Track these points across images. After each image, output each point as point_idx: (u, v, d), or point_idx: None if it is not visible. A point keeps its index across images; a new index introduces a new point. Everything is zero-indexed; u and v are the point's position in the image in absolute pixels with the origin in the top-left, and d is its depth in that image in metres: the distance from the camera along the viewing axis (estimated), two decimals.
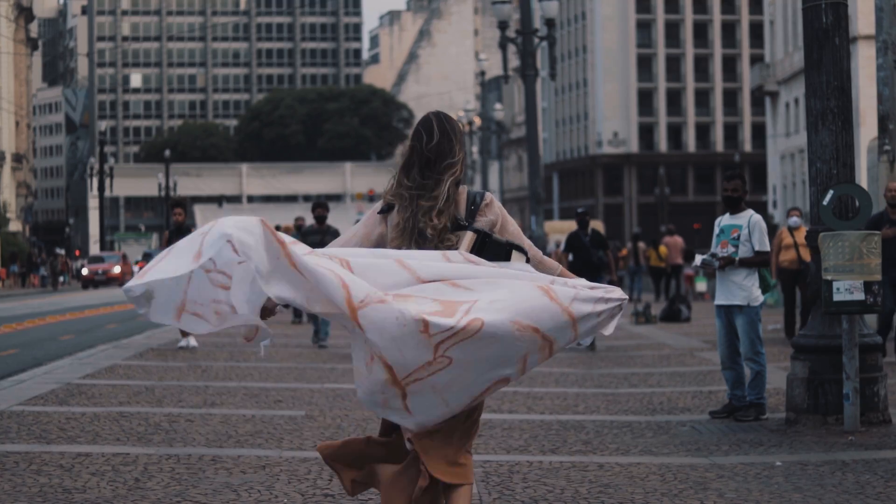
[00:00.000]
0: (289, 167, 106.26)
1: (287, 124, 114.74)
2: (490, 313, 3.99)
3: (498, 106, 53.48)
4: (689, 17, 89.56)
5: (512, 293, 4.07)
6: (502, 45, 30.02)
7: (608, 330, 4.27)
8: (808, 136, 8.41)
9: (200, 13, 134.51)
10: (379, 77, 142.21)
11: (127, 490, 5.99)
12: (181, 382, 10.74)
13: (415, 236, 4.33)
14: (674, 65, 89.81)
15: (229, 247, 3.94)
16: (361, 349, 4.05)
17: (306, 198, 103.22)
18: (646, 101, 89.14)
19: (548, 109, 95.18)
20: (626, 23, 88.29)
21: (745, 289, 8.49)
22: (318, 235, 14.00)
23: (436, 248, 4.29)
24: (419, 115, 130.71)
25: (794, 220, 15.10)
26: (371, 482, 4.34)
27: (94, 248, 78.07)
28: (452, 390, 4.04)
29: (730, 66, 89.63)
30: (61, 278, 58.04)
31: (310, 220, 16.23)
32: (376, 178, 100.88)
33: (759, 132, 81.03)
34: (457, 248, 4.28)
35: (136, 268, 58.20)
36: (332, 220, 20.37)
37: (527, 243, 4.40)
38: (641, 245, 29.66)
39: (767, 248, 8.59)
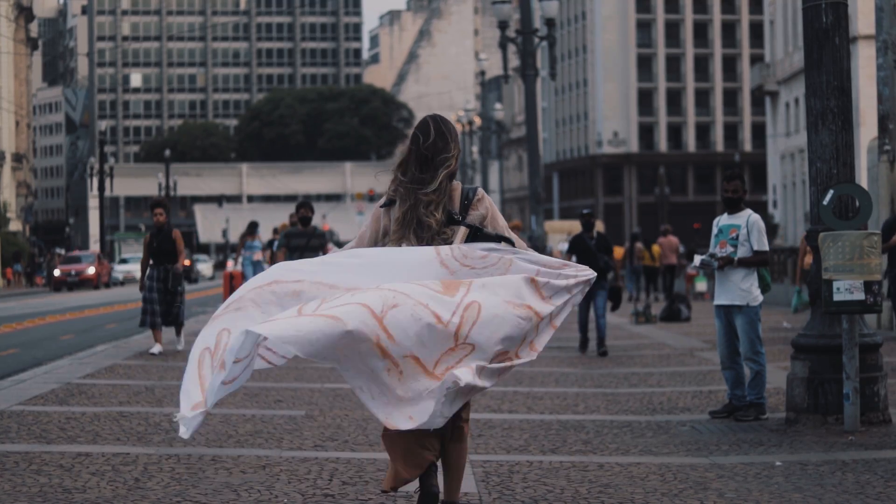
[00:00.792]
0: (289, 167, 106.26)
1: (287, 124, 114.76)
2: (483, 295, 4.54)
3: (498, 106, 53.48)
4: (689, 16, 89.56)
5: (500, 280, 4.63)
6: (502, 45, 30.03)
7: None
8: (808, 135, 8.41)
9: (200, 13, 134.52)
10: (379, 77, 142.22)
11: (127, 490, 5.99)
12: (181, 382, 10.73)
13: (413, 226, 4.77)
14: (674, 65, 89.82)
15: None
16: (385, 396, 4.51)
17: (306, 198, 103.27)
18: (646, 100, 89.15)
19: (548, 109, 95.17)
20: (626, 23, 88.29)
21: (744, 289, 8.50)
22: (303, 238, 13.40)
23: (433, 238, 4.75)
24: (419, 114, 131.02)
25: None
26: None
27: (95, 248, 78.05)
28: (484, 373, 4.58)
29: (730, 65, 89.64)
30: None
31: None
32: (376, 177, 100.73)
33: (759, 132, 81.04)
34: (451, 242, 4.75)
35: (115, 266, 55.72)
36: (333, 219, 20.52)
37: (514, 237, 4.86)
38: (638, 245, 29.79)
39: (766, 247, 8.59)
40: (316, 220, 20.88)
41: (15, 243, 62.80)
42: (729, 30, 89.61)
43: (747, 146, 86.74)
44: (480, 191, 4.91)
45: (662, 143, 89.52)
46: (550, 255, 26.30)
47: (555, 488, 6.07)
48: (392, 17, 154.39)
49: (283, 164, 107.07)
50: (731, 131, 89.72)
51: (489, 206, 4.84)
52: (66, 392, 9.98)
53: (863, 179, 18.64)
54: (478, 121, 59.08)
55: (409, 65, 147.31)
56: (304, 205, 13.79)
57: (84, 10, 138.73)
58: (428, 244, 4.78)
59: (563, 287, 4.77)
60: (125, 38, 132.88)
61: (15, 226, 75.41)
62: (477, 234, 4.80)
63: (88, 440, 7.48)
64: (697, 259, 8.82)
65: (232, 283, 21.68)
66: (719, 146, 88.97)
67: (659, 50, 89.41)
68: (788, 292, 21.65)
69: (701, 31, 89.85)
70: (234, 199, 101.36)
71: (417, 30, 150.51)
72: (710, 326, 17.50)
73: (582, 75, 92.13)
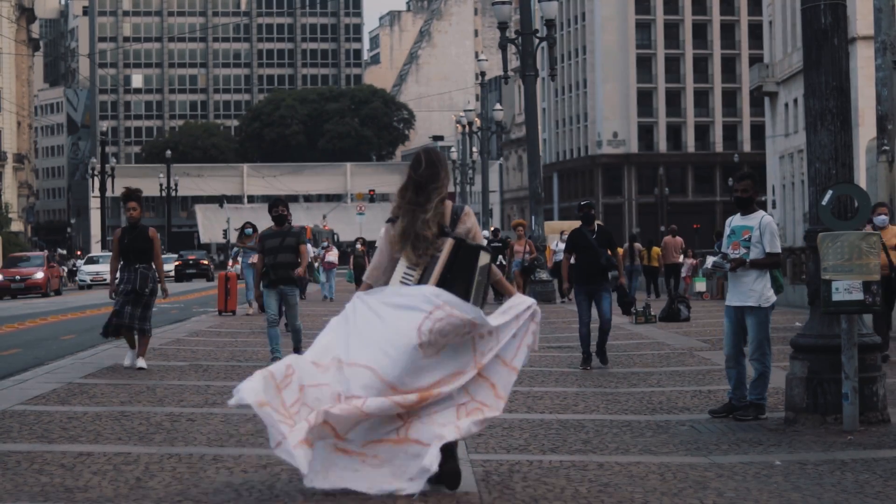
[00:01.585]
0: (289, 167, 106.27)
1: (288, 125, 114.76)
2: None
3: (498, 106, 53.48)
4: (688, 17, 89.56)
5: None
6: (502, 46, 30.05)
7: (530, 341, 5.86)
8: (807, 136, 8.44)
9: (201, 14, 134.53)
10: (379, 77, 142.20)
11: (128, 489, 6.01)
12: (182, 382, 10.77)
13: (412, 238, 5.88)
14: (673, 65, 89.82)
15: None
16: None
17: (307, 198, 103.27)
18: (645, 101, 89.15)
19: (548, 110, 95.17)
20: (625, 23, 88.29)
21: (756, 290, 8.46)
22: (277, 238, 12.33)
23: (427, 249, 5.84)
24: (420, 115, 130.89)
25: (882, 218, 11.84)
26: None
27: (96, 248, 78.05)
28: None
29: (729, 66, 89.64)
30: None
31: (306, 222, 15.78)
32: (376, 178, 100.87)
33: (758, 132, 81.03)
34: (440, 253, 5.78)
35: (82, 266, 50.62)
36: (333, 220, 20.47)
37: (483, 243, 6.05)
38: (637, 245, 29.85)
39: (778, 249, 8.55)
40: (316, 220, 20.92)
41: (17, 243, 62.78)
42: (728, 30, 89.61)
43: (746, 146, 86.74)
44: (467, 208, 6.03)
45: (662, 144, 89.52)
46: (544, 254, 26.15)
47: (555, 487, 6.09)
48: (392, 17, 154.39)
49: (284, 165, 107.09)
50: (731, 132, 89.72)
51: (473, 222, 5.99)
52: (67, 392, 10.01)
53: (861, 180, 18.67)
54: (478, 121, 59.09)
55: (410, 65, 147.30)
56: (277, 203, 12.65)
57: (85, 11, 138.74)
58: (423, 253, 5.85)
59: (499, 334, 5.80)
60: (126, 39, 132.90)
61: (17, 226, 75.43)
62: (461, 245, 5.85)
63: (90, 440, 7.50)
64: (710, 261, 8.81)
65: (227, 284, 21.55)
66: (718, 146, 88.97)
67: (658, 51, 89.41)
68: (797, 292, 21.66)
69: (700, 32, 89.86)
70: (235, 199, 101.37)
71: (418, 30, 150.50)
72: (710, 326, 17.52)
73: (581, 76, 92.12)
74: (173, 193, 74.55)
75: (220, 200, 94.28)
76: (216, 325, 18.98)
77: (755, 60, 70.73)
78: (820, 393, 8.01)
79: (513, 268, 23.47)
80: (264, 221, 15.44)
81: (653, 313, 18.79)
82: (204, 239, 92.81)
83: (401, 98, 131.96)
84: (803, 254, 22.23)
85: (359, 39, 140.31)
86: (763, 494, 5.94)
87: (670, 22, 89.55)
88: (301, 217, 79.11)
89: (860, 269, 7.74)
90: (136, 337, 11.95)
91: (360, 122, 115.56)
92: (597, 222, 12.64)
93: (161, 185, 75.70)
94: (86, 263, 52.70)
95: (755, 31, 79.98)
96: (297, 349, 12.48)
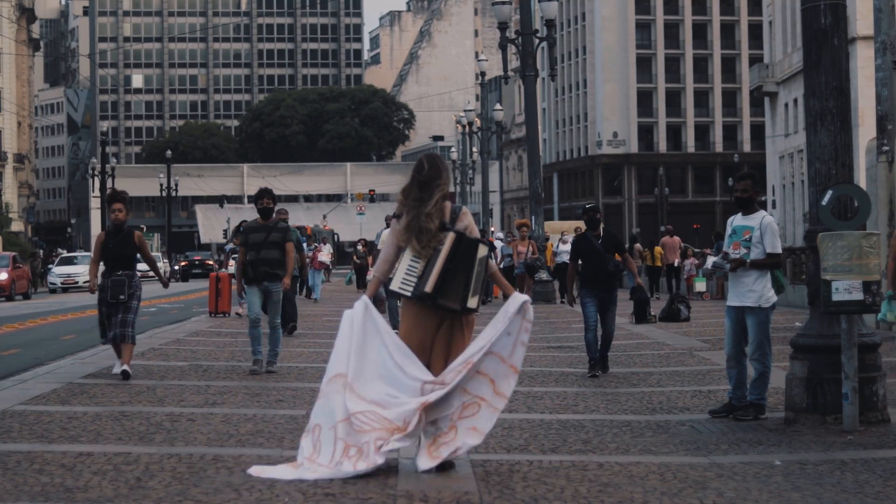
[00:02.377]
0: (290, 167, 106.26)
1: (288, 125, 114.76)
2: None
3: (498, 106, 53.48)
4: (688, 17, 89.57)
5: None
6: (502, 46, 30.06)
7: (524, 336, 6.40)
8: (807, 136, 8.44)
9: (201, 14, 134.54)
10: (379, 77, 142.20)
11: (128, 489, 6.02)
12: (182, 382, 10.77)
13: (415, 231, 6.48)
14: (673, 65, 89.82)
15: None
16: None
17: (307, 198, 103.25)
18: (645, 101, 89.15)
19: (548, 110, 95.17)
20: (625, 23, 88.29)
21: (756, 290, 8.46)
22: (262, 232, 11.50)
23: (429, 241, 6.45)
24: (420, 115, 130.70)
25: None
26: None
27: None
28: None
29: (729, 66, 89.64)
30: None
31: (306, 222, 15.53)
32: (377, 178, 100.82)
33: (758, 132, 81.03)
34: (442, 246, 6.41)
35: (53, 269, 44.77)
36: (333, 220, 20.41)
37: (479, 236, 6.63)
38: (638, 246, 29.95)
39: (779, 250, 8.54)
40: (317, 220, 20.85)
41: (17, 243, 62.78)
42: (728, 30, 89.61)
43: (746, 147, 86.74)
44: (464, 208, 6.66)
45: (662, 144, 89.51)
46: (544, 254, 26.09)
47: (555, 487, 6.09)
48: (392, 17, 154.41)
49: (284, 165, 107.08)
50: (731, 132, 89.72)
51: (470, 220, 6.60)
52: (67, 392, 10.01)
53: (861, 180, 18.67)
54: (478, 121, 59.09)
55: (410, 65, 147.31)
56: (263, 194, 11.68)
57: (85, 11, 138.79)
58: (427, 245, 6.46)
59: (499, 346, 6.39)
60: (126, 39, 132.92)
61: (17, 226, 75.45)
62: (461, 238, 6.46)
63: (90, 440, 7.50)
64: (710, 261, 8.80)
65: (218, 285, 21.42)
66: (718, 147, 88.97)
67: (658, 51, 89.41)
68: (796, 292, 21.65)
69: (700, 32, 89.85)
70: (236, 199, 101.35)
71: (418, 31, 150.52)
72: (710, 326, 17.52)
73: (581, 76, 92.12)
74: (173, 193, 74.52)
75: (220, 200, 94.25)
76: (216, 325, 18.98)
77: (755, 60, 70.76)
78: (820, 393, 8.01)
79: (516, 269, 23.19)
80: None
81: (653, 313, 18.80)
82: (204, 239, 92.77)
83: (401, 98, 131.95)
84: (803, 254, 22.24)
85: (359, 39, 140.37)
86: (763, 494, 5.94)
87: (670, 22, 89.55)
88: (301, 217, 79.09)
89: (860, 269, 7.74)
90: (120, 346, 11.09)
91: (360, 123, 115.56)
92: (602, 226, 12.00)
93: (161, 185, 75.69)
94: (59, 264, 46.32)
95: (755, 32, 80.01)
96: (273, 358, 11.66)
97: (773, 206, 55.74)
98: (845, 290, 7.73)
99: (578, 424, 8.25)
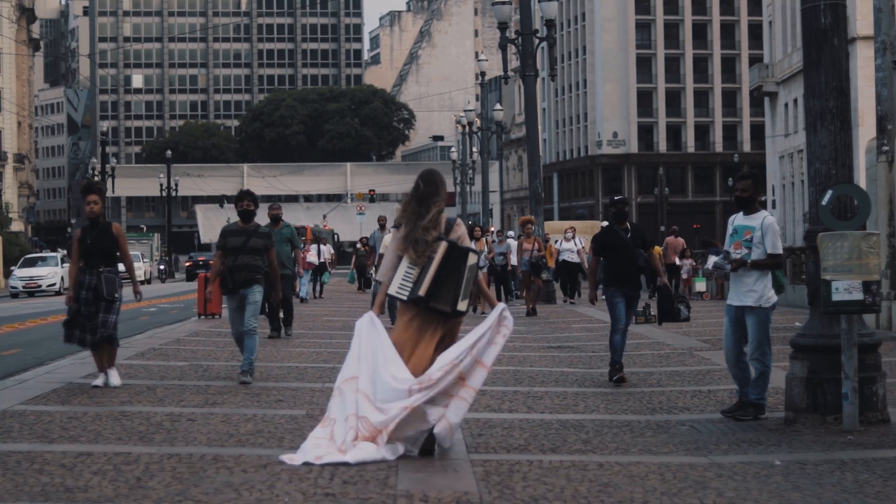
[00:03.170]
0: (290, 167, 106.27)
1: (288, 125, 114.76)
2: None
3: (498, 106, 53.49)
4: (688, 17, 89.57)
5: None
6: (502, 46, 30.06)
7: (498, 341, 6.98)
8: (806, 136, 8.43)
9: (202, 14, 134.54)
10: (379, 78, 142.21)
11: (129, 489, 6.02)
12: (182, 382, 10.77)
13: (412, 242, 7.11)
14: (673, 65, 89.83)
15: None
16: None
17: (307, 198, 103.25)
18: (645, 101, 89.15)
19: (548, 110, 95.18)
20: (625, 23, 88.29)
21: (756, 290, 8.45)
22: (241, 237, 10.63)
23: (425, 250, 7.07)
24: (420, 115, 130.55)
25: None
26: None
27: None
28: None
29: (729, 66, 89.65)
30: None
31: (307, 222, 15.57)
32: (377, 178, 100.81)
33: (758, 132, 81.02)
34: (436, 254, 7.03)
35: (15, 271, 40.79)
36: (333, 220, 20.41)
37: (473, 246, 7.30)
38: None
39: (780, 250, 8.53)
40: (317, 220, 20.83)
41: (17, 243, 62.78)
42: (728, 30, 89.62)
43: (746, 146, 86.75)
44: (458, 220, 7.35)
45: (662, 144, 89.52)
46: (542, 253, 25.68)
47: (555, 487, 6.10)
48: (392, 18, 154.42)
49: (284, 165, 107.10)
50: (731, 132, 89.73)
51: (463, 230, 7.30)
52: (67, 391, 10.01)
53: (861, 180, 18.67)
54: (478, 121, 59.10)
55: (410, 65, 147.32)
56: (244, 196, 10.78)
57: (85, 11, 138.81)
58: (421, 254, 7.07)
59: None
60: (126, 39, 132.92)
61: (17, 226, 75.46)
62: (453, 247, 7.10)
63: (90, 440, 7.51)
64: (711, 261, 8.80)
65: (207, 286, 21.20)
66: (718, 146, 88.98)
67: (658, 51, 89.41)
68: (796, 292, 21.65)
69: (700, 32, 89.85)
70: None
71: (418, 31, 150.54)
72: (710, 326, 17.53)
73: (581, 76, 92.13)
74: (173, 194, 74.53)
75: (220, 200, 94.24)
76: (216, 325, 18.98)
77: (755, 60, 70.75)
78: (820, 393, 8.02)
79: (521, 266, 22.17)
80: (266, 223, 15.24)
81: (653, 313, 18.80)
82: (204, 239, 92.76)
83: (401, 98, 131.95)
84: (803, 254, 22.24)
85: (359, 39, 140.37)
86: (763, 494, 5.95)
87: (670, 22, 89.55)
88: (301, 217, 79.10)
89: (860, 269, 7.74)
90: (101, 349, 10.32)
91: (360, 123, 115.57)
92: (629, 221, 11.24)
93: (161, 185, 75.69)
94: (21, 266, 41.25)
95: (755, 32, 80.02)
96: (248, 368, 10.52)
97: (773, 206, 55.74)
98: (845, 290, 7.73)
99: (578, 424, 8.25)
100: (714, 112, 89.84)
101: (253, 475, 6.37)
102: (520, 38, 27.62)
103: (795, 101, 51.09)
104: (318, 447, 6.71)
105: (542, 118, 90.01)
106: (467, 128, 57.38)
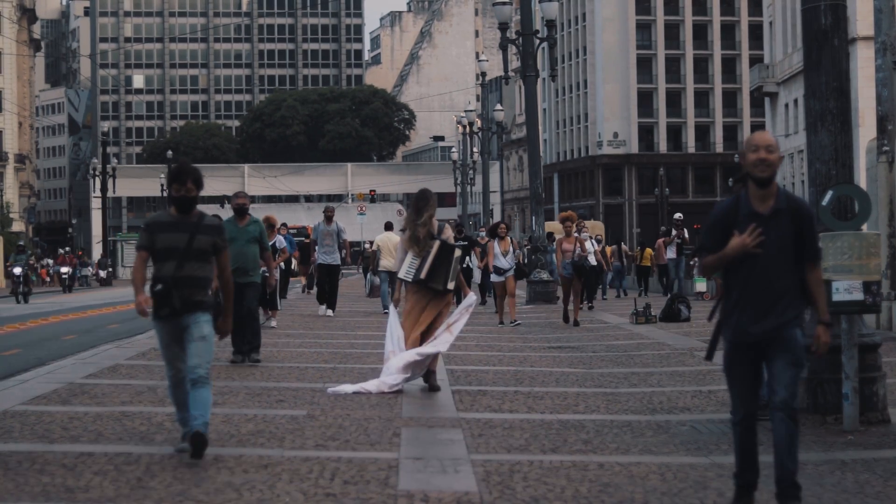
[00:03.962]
0: (290, 168, 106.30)
1: (288, 125, 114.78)
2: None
3: (498, 107, 53.49)
4: (688, 18, 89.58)
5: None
6: (503, 47, 30.07)
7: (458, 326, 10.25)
8: (807, 136, 8.44)
9: (202, 14, 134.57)
10: (380, 78, 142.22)
11: (130, 489, 6.03)
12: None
13: (414, 241, 10.08)
14: (673, 66, 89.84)
15: None
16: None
17: (308, 198, 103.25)
18: (646, 101, 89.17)
19: (548, 110, 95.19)
20: (626, 24, 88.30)
21: None
22: (181, 234, 6.99)
23: (423, 247, 10.06)
24: (420, 116, 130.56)
25: None
26: None
27: (97, 249, 78.06)
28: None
29: (729, 66, 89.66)
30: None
31: (307, 222, 15.04)
32: (377, 178, 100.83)
33: None
34: (432, 250, 10.06)
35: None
36: (335, 219, 20.24)
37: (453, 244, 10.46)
38: (625, 247, 30.39)
39: None
40: (318, 221, 20.69)
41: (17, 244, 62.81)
42: (728, 31, 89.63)
43: None
44: (446, 224, 10.44)
45: (662, 144, 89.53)
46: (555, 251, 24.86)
47: (555, 487, 6.10)
48: (393, 18, 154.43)
49: (285, 165, 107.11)
50: (731, 132, 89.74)
51: (449, 232, 10.33)
52: (68, 392, 10.02)
53: (862, 180, 18.65)
54: (478, 122, 59.10)
55: (410, 66, 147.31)
56: (181, 173, 7.10)
57: (86, 12, 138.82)
58: (421, 249, 10.06)
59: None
60: (127, 40, 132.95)
61: (18, 226, 75.52)
62: (444, 245, 10.08)
63: (91, 440, 7.51)
64: None
65: None
66: (719, 147, 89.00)
67: (659, 51, 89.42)
68: None
69: (700, 33, 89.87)
70: None
71: (418, 31, 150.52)
72: (710, 326, 17.51)
73: (582, 76, 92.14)
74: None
75: (221, 201, 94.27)
76: None
77: (755, 61, 70.77)
78: (820, 393, 8.02)
79: (561, 269, 18.73)
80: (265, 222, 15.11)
81: (653, 313, 18.79)
82: None
83: (401, 98, 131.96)
84: None
85: (360, 40, 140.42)
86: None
87: (671, 22, 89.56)
88: (302, 217, 79.09)
89: (860, 269, 7.75)
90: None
91: (360, 123, 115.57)
92: None
93: (162, 185, 75.62)
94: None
95: (755, 32, 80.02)
96: (202, 427, 6.71)
97: None
98: (845, 290, 7.74)
99: (579, 424, 8.25)
100: (714, 112, 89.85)
101: (254, 475, 6.37)
102: (520, 39, 27.62)
103: (796, 101, 51.10)
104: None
105: (543, 118, 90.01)
106: (468, 128, 57.37)
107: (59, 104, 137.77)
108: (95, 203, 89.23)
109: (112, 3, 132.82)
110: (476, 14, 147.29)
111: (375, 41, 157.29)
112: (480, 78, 52.56)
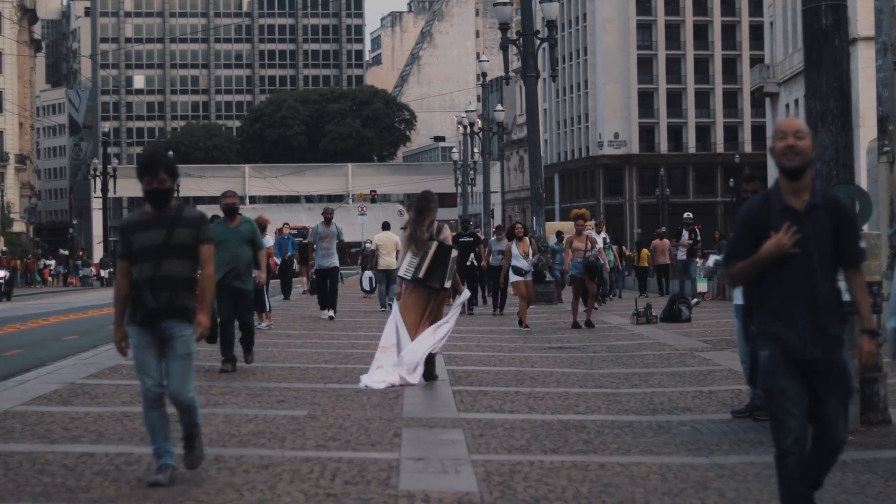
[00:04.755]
0: (291, 168, 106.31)
1: (289, 125, 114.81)
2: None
3: (499, 107, 53.51)
4: (689, 18, 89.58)
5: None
6: (503, 47, 30.08)
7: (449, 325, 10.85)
8: None
9: (203, 14, 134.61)
10: (380, 78, 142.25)
11: (130, 489, 6.03)
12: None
13: (414, 240, 10.66)
14: (674, 66, 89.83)
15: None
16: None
17: (308, 198, 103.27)
18: (646, 102, 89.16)
19: (549, 111, 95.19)
20: (626, 24, 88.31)
21: None
22: (157, 231, 6.27)
23: (421, 247, 10.62)
24: (421, 116, 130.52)
25: None
26: None
27: (98, 249, 78.05)
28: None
29: (730, 67, 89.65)
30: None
31: (308, 222, 14.78)
32: (378, 178, 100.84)
33: (759, 133, 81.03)
34: (430, 250, 10.67)
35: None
36: (335, 220, 20.16)
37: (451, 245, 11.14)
38: (624, 249, 30.50)
39: None
40: (318, 221, 20.60)
41: (18, 244, 62.85)
42: (729, 31, 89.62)
43: (747, 147, 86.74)
44: (445, 226, 11.09)
45: (663, 145, 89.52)
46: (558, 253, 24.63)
47: (556, 488, 6.11)
48: (394, 18, 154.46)
49: (286, 166, 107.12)
50: (732, 132, 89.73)
51: (447, 233, 10.97)
52: (69, 392, 10.02)
53: (862, 181, 18.68)
54: (479, 122, 59.11)
55: (411, 66, 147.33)
56: (152, 162, 6.38)
57: (87, 12, 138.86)
58: (419, 249, 10.65)
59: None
60: (128, 40, 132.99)
61: (19, 227, 75.55)
62: (441, 245, 10.69)
63: (92, 440, 7.52)
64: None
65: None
66: (719, 147, 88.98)
67: (659, 51, 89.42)
68: None
69: (701, 33, 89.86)
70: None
71: (419, 31, 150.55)
72: (711, 327, 17.53)
73: (583, 77, 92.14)
74: (175, 194, 74.52)
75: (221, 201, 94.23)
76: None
77: (756, 61, 70.73)
78: None
79: (571, 271, 18.09)
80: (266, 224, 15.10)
81: (654, 314, 18.80)
82: None
83: (402, 99, 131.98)
84: None
85: (360, 40, 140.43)
86: (764, 495, 5.95)
87: (671, 23, 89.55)
88: (302, 218, 79.11)
89: None
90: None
91: (361, 123, 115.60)
92: None
93: None
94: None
95: (756, 32, 80.00)
96: (192, 452, 6.40)
97: None
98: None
99: (580, 425, 8.26)
100: (715, 113, 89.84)
101: (255, 475, 6.38)
102: (521, 39, 27.63)
103: (797, 101, 51.09)
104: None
105: (544, 119, 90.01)
106: (468, 128, 57.38)
107: (60, 104, 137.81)
108: (96, 203, 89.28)
109: (113, 4, 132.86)
110: (477, 14, 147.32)
111: (376, 41, 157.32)
112: (481, 78, 52.58)
